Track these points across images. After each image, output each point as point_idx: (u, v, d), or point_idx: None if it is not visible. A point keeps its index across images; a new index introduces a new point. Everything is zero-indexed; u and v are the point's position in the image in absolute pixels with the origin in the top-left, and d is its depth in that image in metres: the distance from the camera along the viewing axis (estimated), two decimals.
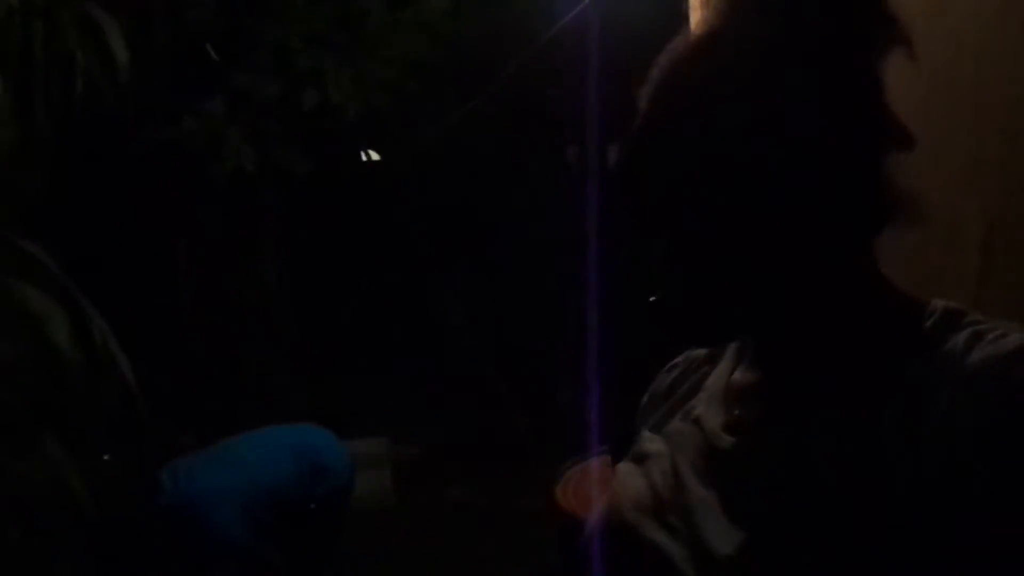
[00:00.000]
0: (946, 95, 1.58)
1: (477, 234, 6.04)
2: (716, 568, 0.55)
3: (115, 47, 1.76)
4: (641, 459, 0.69)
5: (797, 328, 0.60)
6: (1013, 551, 0.46)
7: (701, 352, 0.74)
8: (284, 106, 4.79)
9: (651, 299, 0.63)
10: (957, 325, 0.55)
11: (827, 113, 0.55)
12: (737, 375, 0.66)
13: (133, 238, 4.86)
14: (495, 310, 5.82)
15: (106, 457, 2.73)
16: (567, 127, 5.07)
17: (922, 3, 1.63)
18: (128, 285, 4.45)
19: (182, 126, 4.48)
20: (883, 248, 0.60)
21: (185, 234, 5.26)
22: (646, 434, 0.72)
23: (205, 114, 4.54)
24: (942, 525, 0.47)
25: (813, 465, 0.54)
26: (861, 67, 0.57)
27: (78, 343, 1.73)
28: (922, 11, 1.63)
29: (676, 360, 0.76)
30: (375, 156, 6.03)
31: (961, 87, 1.59)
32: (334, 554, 3.04)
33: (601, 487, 1.92)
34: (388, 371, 5.50)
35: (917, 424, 0.51)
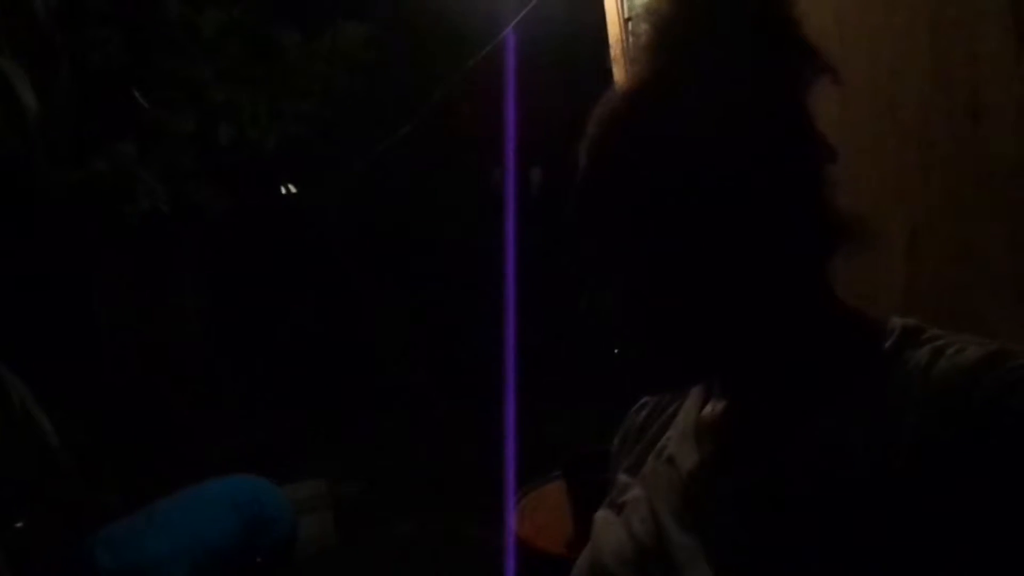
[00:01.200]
0: (865, 109, 1.65)
1: (407, 262, 5.98)
2: None
3: (23, 96, 1.67)
4: (619, 506, 0.68)
5: (760, 360, 0.60)
6: (990, 561, 0.47)
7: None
8: (198, 142, 4.66)
9: (615, 351, 0.63)
10: (916, 342, 0.56)
11: (762, 150, 0.56)
12: (706, 410, 0.66)
13: (47, 289, 4.62)
14: (429, 337, 5.76)
15: (19, 524, 2.57)
16: (491, 150, 5.10)
17: (837, 24, 1.70)
18: (44, 338, 4.22)
19: (92, 167, 4.30)
20: (835, 271, 0.61)
21: (101, 279, 5.04)
22: (622, 478, 0.71)
23: (115, 154, 4.37)
24: (920, 541, 0.48)
25: (788, 496, 0.55)
26: (789, 101, 0.58)
27: None
28: (837, 32, 1.70)
29: (644, 401, 0.76)
30: (293, 191, 5.91)
31: (879, 101, 1.66)
32: None
33: (557, 514, 1.90)
34: (323, 407, 5.37)
35: (886, 444, 0.51)
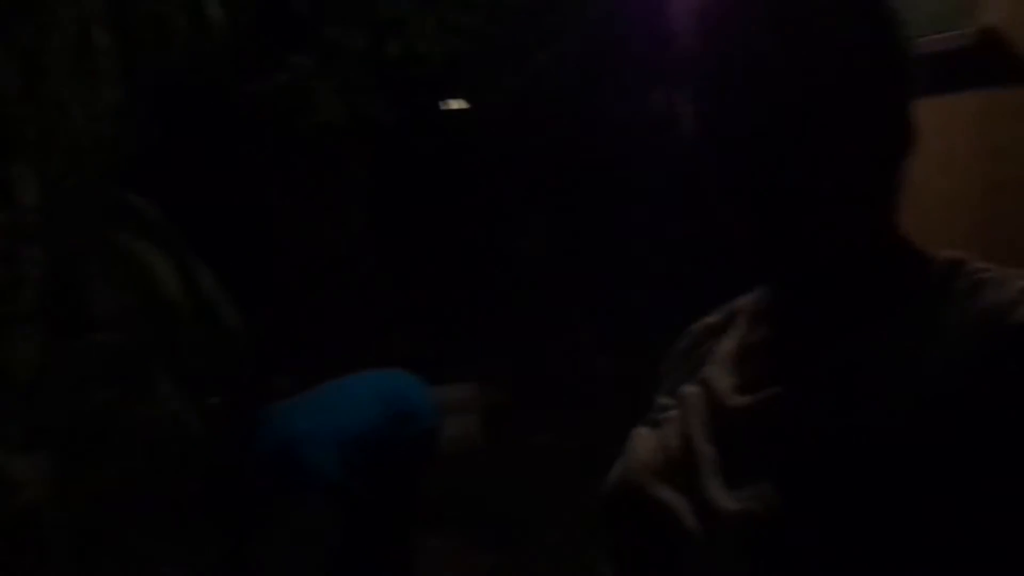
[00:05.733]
0: None
1: (563, 179, 5.99)
2: (720, 523, 0.57)
3: (210, 8, 1.81)
4: (656, 423, 0.71)
5: (813, 274, 0.61)
6: (1010, 489, 0.46)
7: (714, 320, 0.76)
8: (369, 57, 4.84)
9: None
10: (960, 273, 0.56)
11: (866, 38, 0.57)
12: (748, 337, 0.68)
13: (229, 190, 5.05)
14: (583, 255, 5.79)
15: (214, 400, 2.90)
16: (654, 69, 4.94)
17: None
18: (225, 234, 4.63)
19: (273, 80, 4.58)
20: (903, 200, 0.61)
21: (277, 184, 5.43)
22: (662, 400, 0.74)
23: (294, 68, 4.63)
24: (944, 468, 0.48)
25: (817, 415, 0.55)
26: (876, 10, 0.59)
27: (185, 291, 1.84)
28: None
29: (691, 328, 0.78)
30: (459, 104, 6.02)
31: None
32: (421, 494, 3.18)
33: None
34: (476, 316, 5.59)
35: (920, 369, 0.52)
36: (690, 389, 0.69)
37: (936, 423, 0.49)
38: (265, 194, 5.39)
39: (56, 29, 1.65)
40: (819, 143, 0.57)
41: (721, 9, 0.60)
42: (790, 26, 0.57)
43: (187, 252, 1.91)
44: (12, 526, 1.59)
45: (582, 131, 5.74)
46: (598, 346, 5.38)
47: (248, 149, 5.04)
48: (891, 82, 0.58)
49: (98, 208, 1.81)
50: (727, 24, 0.59)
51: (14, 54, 1.51)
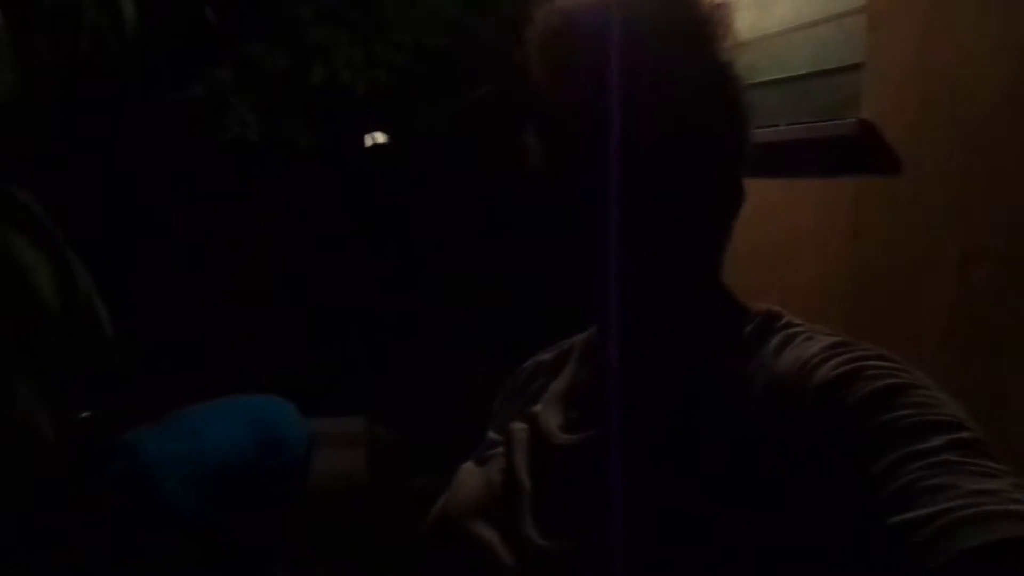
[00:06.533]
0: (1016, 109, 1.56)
1: (478, 225, 6.03)
2: (533, 559, 0.57)
3: (124, 6, 1.76)
4: (484, 460, 0.72)
5: (641, 322, 0.62)
6: (808, 530, 0.47)
7: (547, 357, 0.77)
8: (292, 79, 4.79)
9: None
10: (772, 329, 0.59)
11: (689, 107, 0.58)
12: (577, 376, 0.70)
13: (132, 197, 4.86)
14: (491, 302, 5.81)
15: (85, 414, 2.72)
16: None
17: (993, 23, 1.60)
18: (123, 244, 4.44)
19: (188, 91, 4.47)
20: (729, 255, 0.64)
21: (184, 199, 5.26)
22: (492, 436, 0.74)
23: (212, 81, 4.54)
24: (750, 510, 0.50)
25: (632, 457, 0.57)
26: (706, 61, 0.61)
27: (62, 294, 1.74)
28: (993, 31, 1.59)
29: (525, 365, 0.80)
30: (380, 139, 6.02)
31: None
32: (289, 527, 3.03)
33: None
34: (376, 352, 5.51)
35: (730, 420, 0.54)
36: (518, 426, 0.70)
37: (744, 471, 0.51)
38: (171, 206, 5.21)
39: None
40: (651, 194, 0.58)
41: (570, 54, 0.61)
42: (634, 78, 0.58)
43: (70, 254, 1.82)
44: None
45: (500, 178, 5.81)
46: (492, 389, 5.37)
47: (157, 158, 4.87)
48: (726, 145, 0.60)
49: None
50: (573, 70, 0.60)
51: None
